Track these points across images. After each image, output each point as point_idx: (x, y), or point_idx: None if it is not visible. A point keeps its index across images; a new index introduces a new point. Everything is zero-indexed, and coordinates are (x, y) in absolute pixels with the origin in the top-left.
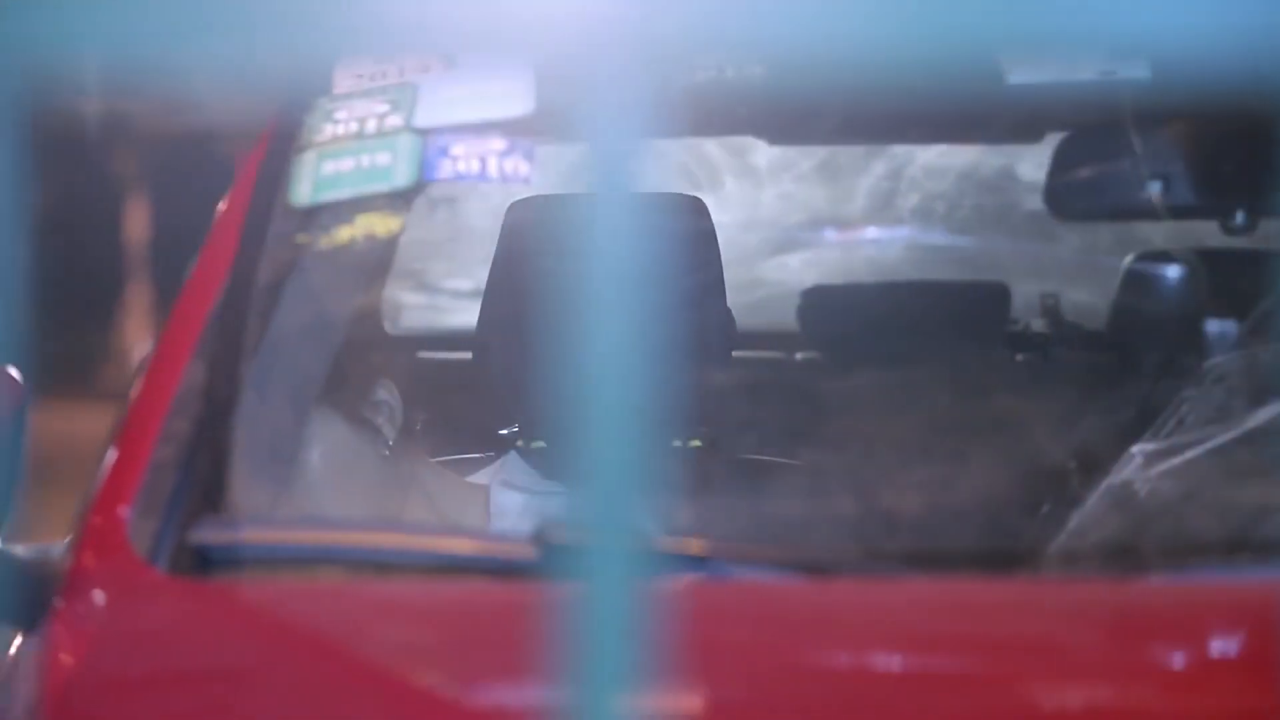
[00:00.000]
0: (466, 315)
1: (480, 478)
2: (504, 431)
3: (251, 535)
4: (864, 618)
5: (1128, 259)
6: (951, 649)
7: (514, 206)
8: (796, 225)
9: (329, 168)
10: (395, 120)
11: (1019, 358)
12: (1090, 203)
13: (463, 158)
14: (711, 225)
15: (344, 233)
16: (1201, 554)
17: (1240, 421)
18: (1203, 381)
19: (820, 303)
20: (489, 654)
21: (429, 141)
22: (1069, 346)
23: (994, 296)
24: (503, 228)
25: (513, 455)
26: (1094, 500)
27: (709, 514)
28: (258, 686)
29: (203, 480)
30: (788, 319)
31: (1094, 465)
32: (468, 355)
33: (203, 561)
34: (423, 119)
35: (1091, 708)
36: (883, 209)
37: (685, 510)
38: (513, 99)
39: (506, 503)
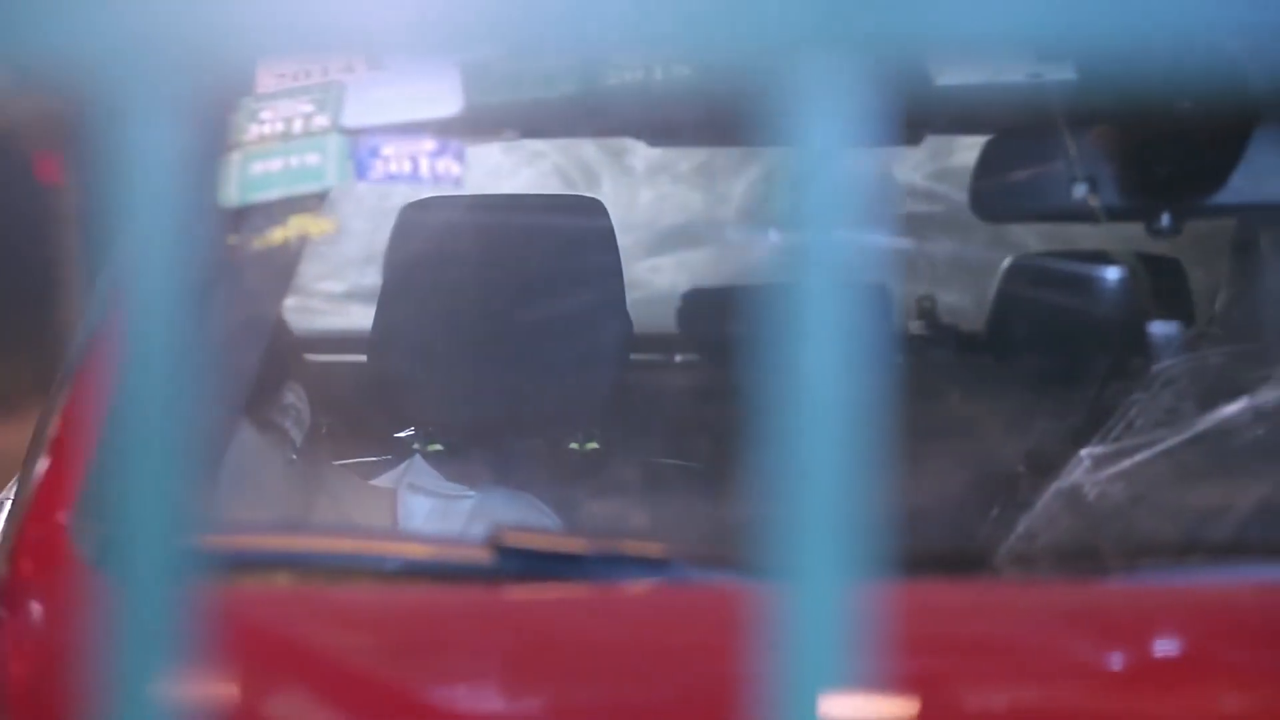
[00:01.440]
0: (339, 319)
1: (386, 481)
2: (401, 435)
3: (204, 540)
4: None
5: (1005, 262)
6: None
7: (407, 209)
8: (673, 226)
9: (257, 168)
10: (322, 120)
11: (898, 360)
12: (1016, 204)
13: (394, 158)
14: (610, 226)
15: (277, 234)
16: (1152, 556)
17: (1189, 425)
18: (1151, 385)
19: (699, 305)
20: (449, 657)
21: (359, 142)
22: (946, 348)
23: (875, 298)
24: (394, 230)
25: (418, 458)
26: (1044, 503)
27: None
28: (215, 691)
29: None
30: (667, 322)
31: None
32: (363, 358)
33: None
34: (351, 119)
35: (1046, 708)
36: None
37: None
38: (441, 100)
39: (414, 506)
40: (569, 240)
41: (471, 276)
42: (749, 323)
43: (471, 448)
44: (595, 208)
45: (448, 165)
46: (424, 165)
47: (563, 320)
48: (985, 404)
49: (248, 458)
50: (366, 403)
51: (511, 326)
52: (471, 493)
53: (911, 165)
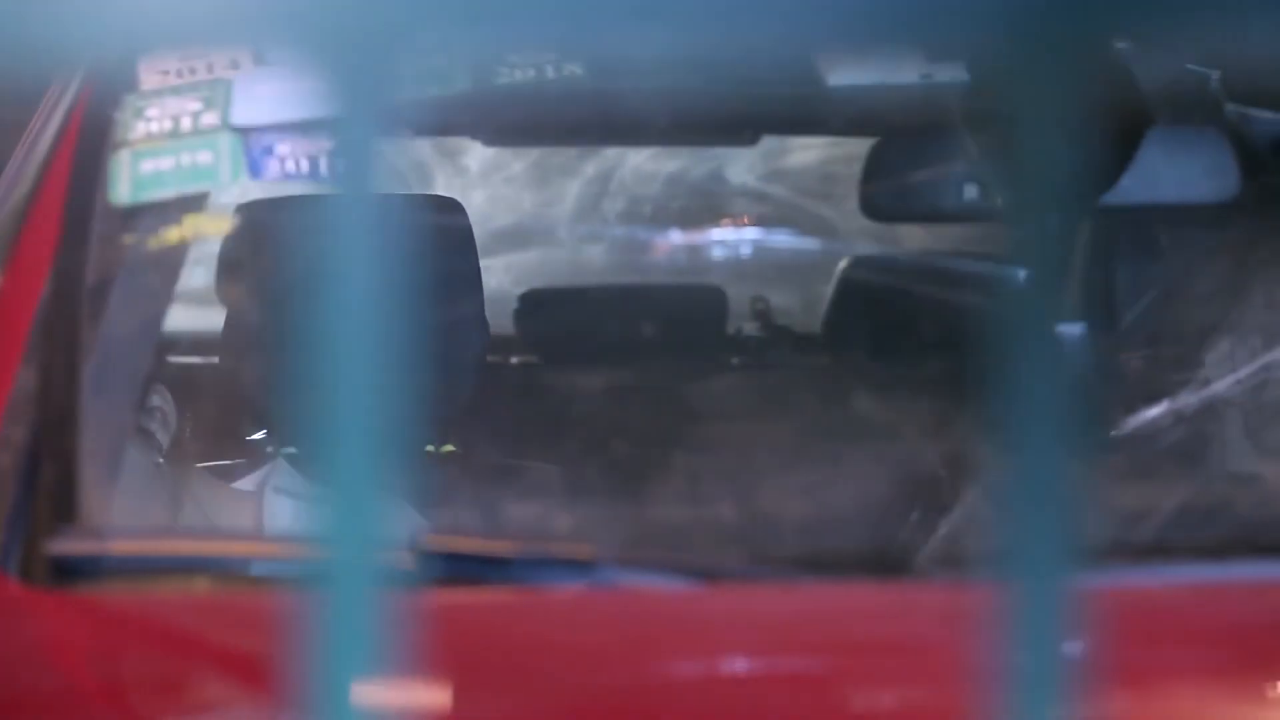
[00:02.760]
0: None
1: (249, 484)
2: (254, 437)
3: (119, 545)
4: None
5: (842, 263)
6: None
7: (243, 209)
8: (505, 227)
9: (147, 166)
10: (211, 118)
11: (734, 361)
12: (905, 205)
13: (289, 157)
14: (468, 226)
15: (173, 233)
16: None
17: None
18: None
19: (537, 306)
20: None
21: (251, 140)
22: (781, 349)
23: (711, 300)
24: (232, 230)
25: (281, 461)
26: (965, 505)
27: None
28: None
29: (50, 489)
30: (502, 323)
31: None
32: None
33: (61, 572)
34: (240, 117)
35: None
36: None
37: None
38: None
39: (279, 508)
40: (425, 240)
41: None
42: (588, 323)
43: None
44: (453, 207)
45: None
46: (323, 164)
47: (418, 322)
48: (822, 405)
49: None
50: (222, 405)
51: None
52: None
53: (745, 166)
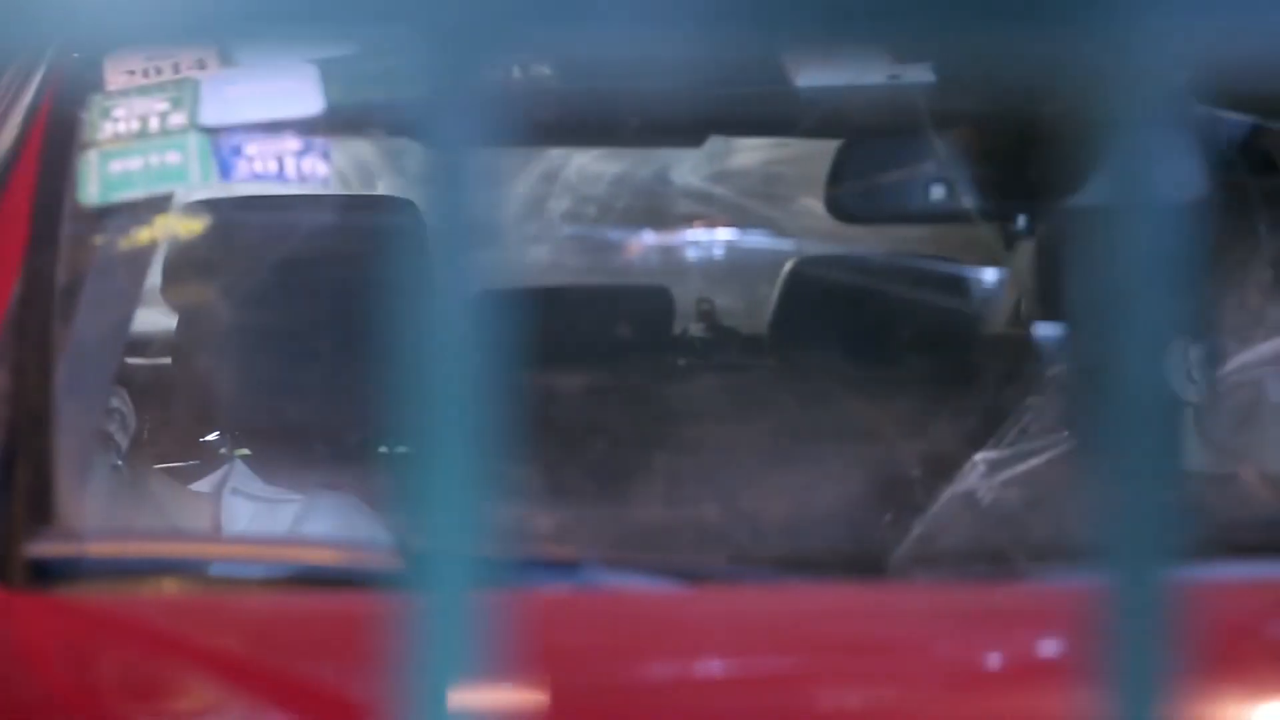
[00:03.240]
0: None
1: (206, 485)
2: (208, 439)
3: (96, 547)
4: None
5: (787, 265)
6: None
7: (192, 208)
8: None
9: (116, 167)
10: (179, 119)
11: (681, 362)
12: (871, 207)
13: (258, 158)
14: (424, 225)
15: (143, 234)
16: (1046, 559)
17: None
18: (1046, 389)
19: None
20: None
21: (220, 141)
22: (727, 351)
23: (657, 300)
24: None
25: (239, 462)
26: (939, 507)
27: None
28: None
29: (26, 492)
30: None
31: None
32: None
33: (39, 575)
34: (208, 117)
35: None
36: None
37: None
38: (299, 98)
39: (237, 510)
40: (379, 241)
41: (274, 278)
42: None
43: (278, 452)
44: (407, 208)
45: (314, 165)
46: (289, 165)
47: (371, 322)
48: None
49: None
50: (177, 407)
51: (317, 329)
52: (295, 496)
53: (689, 168)
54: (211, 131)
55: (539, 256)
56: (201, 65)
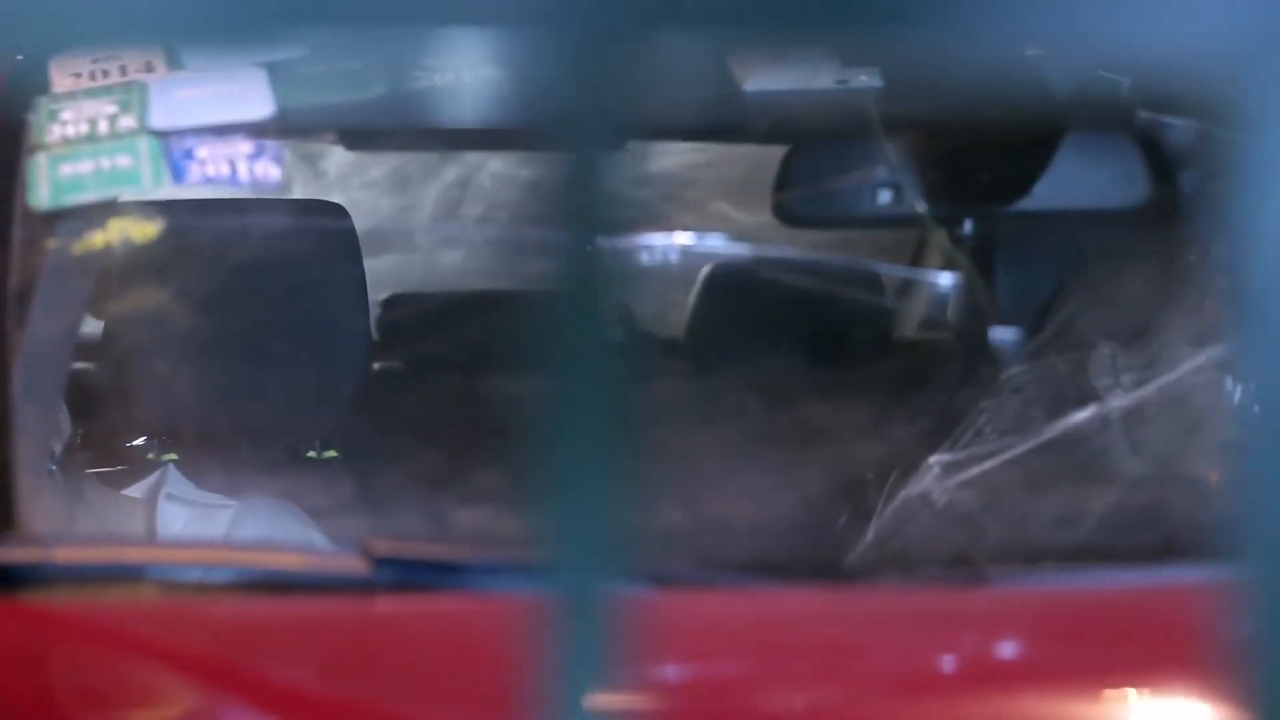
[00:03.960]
0: None
1: (139, 491)
2: (134, 444)
3: (60, 553)
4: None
5: (705, 269)
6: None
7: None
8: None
9: (66, 170)
10: (128, 121)
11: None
12: (819, 211)
13: (210, 161)
14: (353, 231)
15: (97, 238)
16: (1001, 563)
17: (1038, 432)
18: (1000, 392)
19: (400, 311)
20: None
21: (171, 144)
22: (644, 355)
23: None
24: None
25: (171, 468)
26: (892, 510)
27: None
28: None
29: None
30: None
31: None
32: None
33: (4, 581)
34: (158, 120)
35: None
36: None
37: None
38: (250, 101)
39: (171, 515)
40: (308, 245)
41: (203, 281)
42: (451, 328)
43: (209, 457)
44: (337, 212)
45: (266, 168)
46: (242, 168)
47: (300, 327)
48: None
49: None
50: (105, 412)
51: (242, 333)
52: (230, 502)
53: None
54: (162, 135)
55: (453, 261)
56: (149, 68)
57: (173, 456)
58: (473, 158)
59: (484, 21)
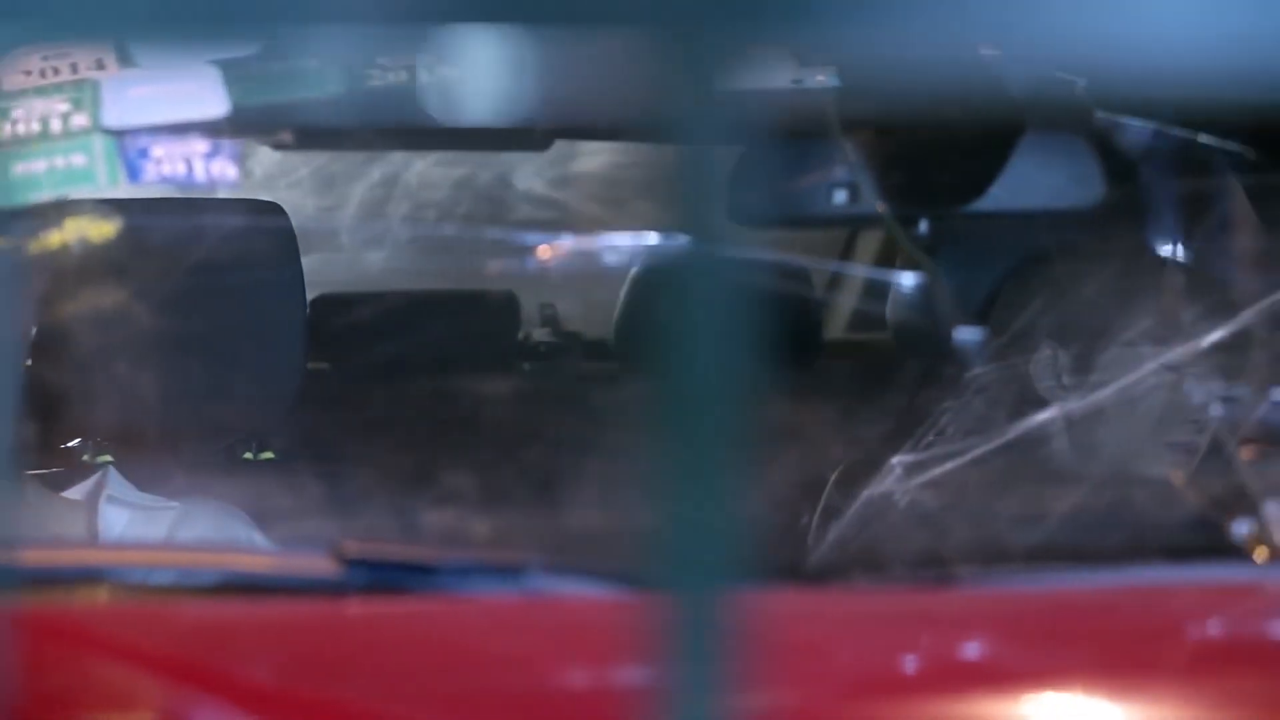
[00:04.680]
0: None
1: (78, 493)
2: (68, 445)
3: (31, 555)
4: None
5: (633, 269)
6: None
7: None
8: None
9: (19, 169)
10: (81, 120)
11: (526, 367)
12: (774, 212)
13: (166, 160)
14: (291, 230)
15: (53, 237)
16: (964, 564)
17: (1000, 432)
18: (963, 392)
19: (329, 312)
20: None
21: (126, 143)
22: (573, 355)
23: (504, 306)
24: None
25: (112, 470)
26: (853, 511)
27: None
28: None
29: None
30: None
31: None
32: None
33: None
34: (112, 119)
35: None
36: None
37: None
38: (205, 100)
39: (112, 518)
40: (247, 244)
41: (139, 281)
42: (380, 329)
43: (142, 458)
44: (274, 211)
45: (223, 167)
46: (198, 167)
47: (239, 328)
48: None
49: None
50: (40, 412)
51: (179, 334)
52: (172, 504)
53: (533, 170)
54: (116, 133)
55: (378, 262)
56: (100, 65)
57: (108, 458)
58: (398, 157)
59: (599, 21)
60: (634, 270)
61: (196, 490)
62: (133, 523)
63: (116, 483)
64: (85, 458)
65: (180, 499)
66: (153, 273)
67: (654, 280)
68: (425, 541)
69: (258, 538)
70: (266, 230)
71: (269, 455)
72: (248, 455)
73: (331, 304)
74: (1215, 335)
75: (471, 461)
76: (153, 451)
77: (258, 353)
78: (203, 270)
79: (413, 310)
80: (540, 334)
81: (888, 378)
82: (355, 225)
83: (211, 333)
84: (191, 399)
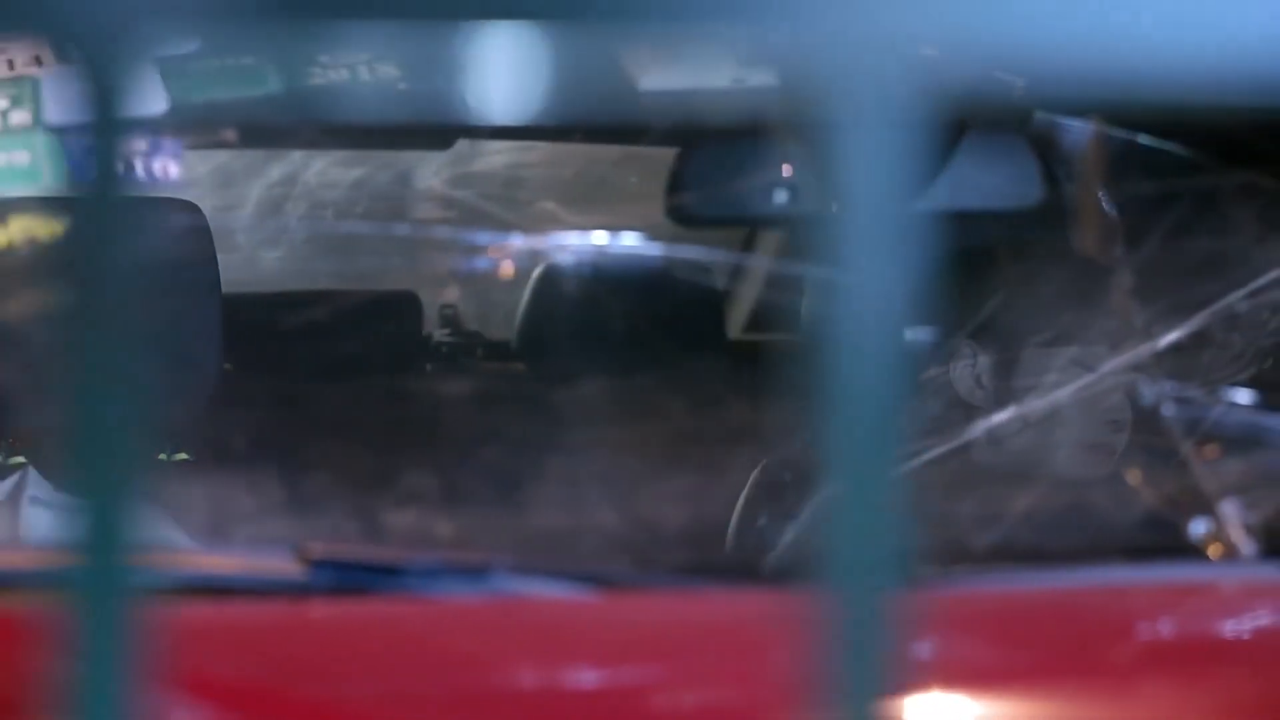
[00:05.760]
0: None
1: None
2: None
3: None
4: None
5: (537, 269)
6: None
7: None
8: None
9: None
10: (22, 117)
11: (428, 367)
12: (713, 211)
13: None
14: (206, 228)
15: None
16: (922, 565)
17: (957, 433)
18: (921, 393)
19: (227, 314)
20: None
21: (69, 140)
22: (475, 356)
23: (406, 306)
24: None
25: (32, 470)
26: (809, 513)
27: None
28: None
29: None
30: None
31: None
32: None
33: None
34: (54, 115)
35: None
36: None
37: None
38: (146, 97)
39: (35, 519)
40: (160, 243)
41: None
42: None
43: (51, 459)
44: (188, 209)
45: (166, 165)
46: (141, 165)
47: (149, 327)
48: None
49: None
50: None
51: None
52: None
53: (432, 170)
54: (60, 130)
55: (276, 261)
56: (38, 62)
57: (20, 459)
58: (297, 156)
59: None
60: (539, 269)
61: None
62: (56, 523)
63: (37, 483)
64: (0, 458)
65: None
66: (70, 270)
67: (557, 279)
68: (344, 542)
69: (181, 536)
70: (182, 229)
71: (183, 456)
72: (161, 456)
73: (231, 304)
74: (1166, 338)
75: (373, 462)
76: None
77: (173, 353)
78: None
79: (313, 310)
80: (441, 334)
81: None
82: (252, 224)
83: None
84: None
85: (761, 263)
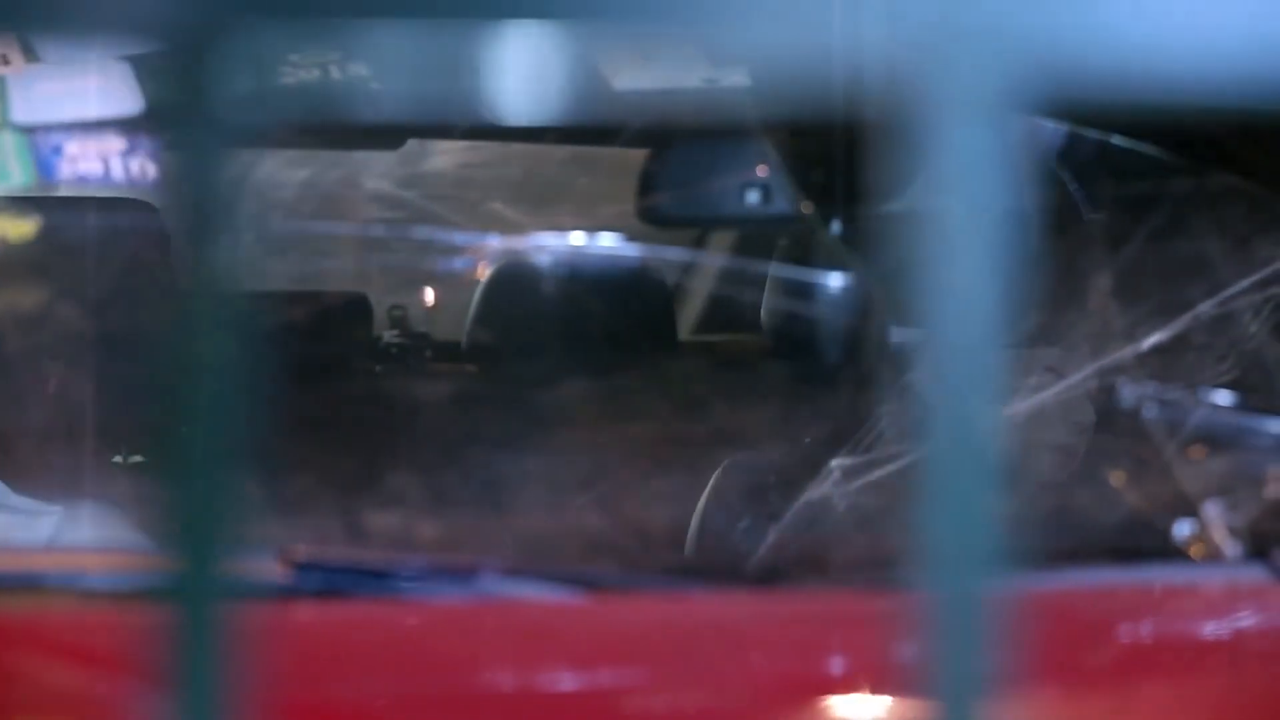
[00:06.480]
0: None
1: None
2: None
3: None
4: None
5: (487, 271)
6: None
7: None
8: None
9: None
10: None
11: (378, 369)
12: (684, 212)
13: (82, 158)
14: (166, 229)
15: None
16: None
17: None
18: (902, 395)
19: None
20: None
21: (38, 140)
22: (425, 357)
23: (356, 308)
24: None
25: None
26: (792, 514)
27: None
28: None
29: None
30: None
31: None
32: None
33: None
34: (21, 115)
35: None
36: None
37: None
38: (115, 97)
39: None
40: (116, 244)
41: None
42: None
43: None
44: (147, 209)
45: (142, 165)
46: (115, 166)
47: (107, 329)
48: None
49: None
50: None
51: (46, 335)
52: (53, 507)
53: (381, 171)
54: (26, 130)
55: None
56: (4, 61)
57: None
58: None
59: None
60: (487, 271)
61: (82, 493)
62: (14, 526)
63: None
64: None
65: (61, 502)
66: (30, 270)
67: (506, 280)
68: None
69: (141, 540)
70: (141, 230)
71: (138, 459)
72: (117, 459)
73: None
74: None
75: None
76: (22, 454)
77: (134, 354)
78: (78, 270)
79: (262, 310)
80: (390, 335)
81: (826, 380)
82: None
83: (89, 334)
84: (64, 401)
85: (714, 261)
